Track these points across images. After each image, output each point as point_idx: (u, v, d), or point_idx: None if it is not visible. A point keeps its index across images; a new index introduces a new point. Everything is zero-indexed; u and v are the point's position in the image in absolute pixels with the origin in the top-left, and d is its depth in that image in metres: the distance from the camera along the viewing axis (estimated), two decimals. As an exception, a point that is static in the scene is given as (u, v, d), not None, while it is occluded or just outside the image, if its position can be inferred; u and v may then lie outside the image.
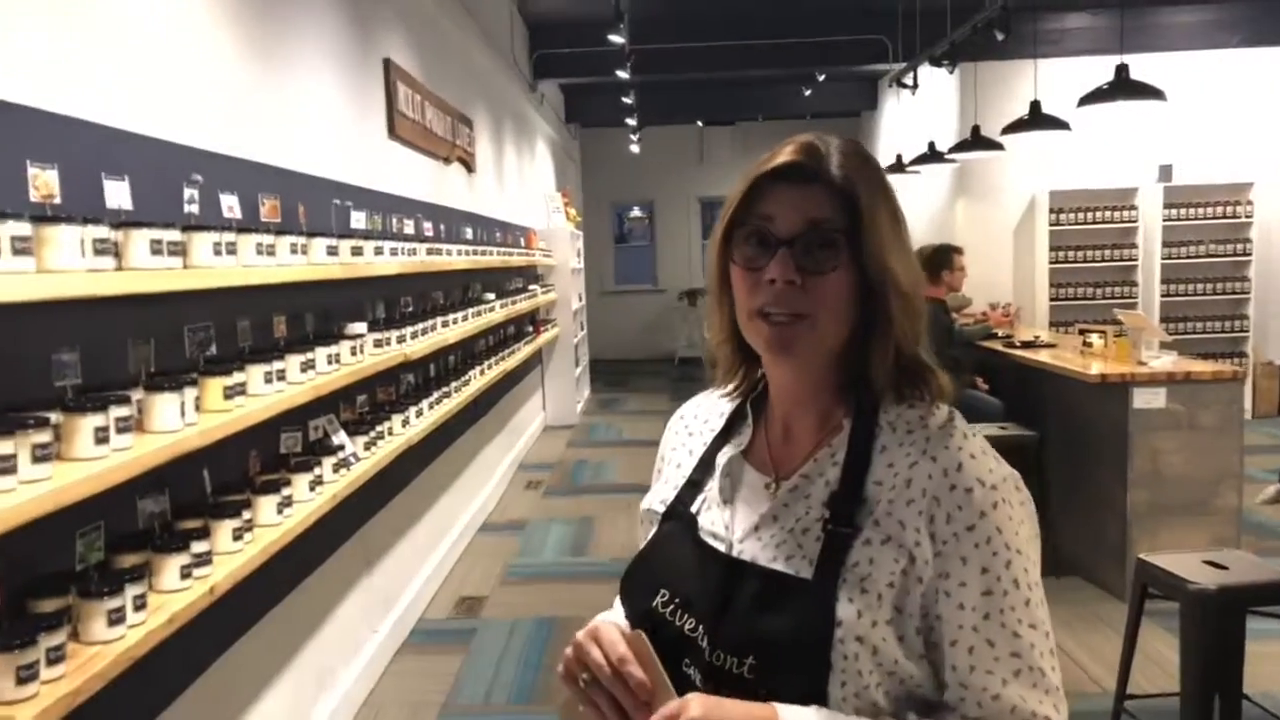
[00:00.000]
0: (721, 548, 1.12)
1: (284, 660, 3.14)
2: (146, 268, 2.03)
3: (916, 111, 10.14)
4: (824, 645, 0.99)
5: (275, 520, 2.60)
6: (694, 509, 1.17)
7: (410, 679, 4.05)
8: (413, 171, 5.13)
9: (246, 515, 2.45)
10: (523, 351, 6.99)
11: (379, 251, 3.67)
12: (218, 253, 2.33)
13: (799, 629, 1.01)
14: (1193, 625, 2.90)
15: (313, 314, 3.23)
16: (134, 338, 2.12)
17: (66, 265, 1.74)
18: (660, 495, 1.23)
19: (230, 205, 2.63)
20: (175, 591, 2.09)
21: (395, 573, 4.40)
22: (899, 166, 8.88)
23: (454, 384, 4.80)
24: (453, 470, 5.60)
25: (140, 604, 1.93)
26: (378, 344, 3.64)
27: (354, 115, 4.23)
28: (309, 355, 2.90)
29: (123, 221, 2.02)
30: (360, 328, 3.50)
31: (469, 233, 5.95)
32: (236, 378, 2.40)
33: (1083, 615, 4.42)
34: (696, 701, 0.97)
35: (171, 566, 2.10)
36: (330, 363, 3.10)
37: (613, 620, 1.18)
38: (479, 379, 5.34)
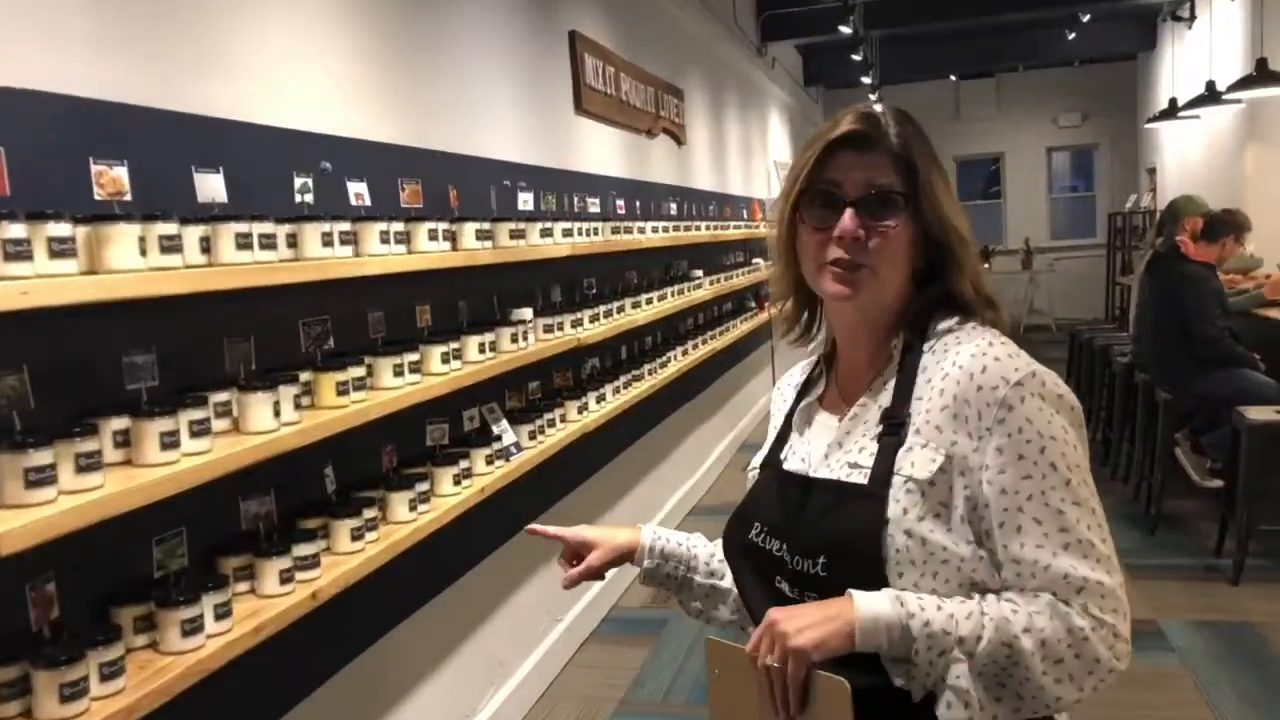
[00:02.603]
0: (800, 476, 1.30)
1: (443, 654, 3.08)
2: (235, 263, 1.95)
3: (1196, 49, 8.87)
4: (877, 539, 1.14)
5: (407, 518, 2.51)
6: (782, 457, 1.35)
7: (592, 671, 3.93)
8: (603, 147, 4.98)
9: (369, 514, 2.37)
10: (740, 329, 6.72)
11: (546, 233, 3.52)
12: (328, 243, 2.24)
13: (857, 527, 1.16)
14: None
15: (469, 301, 3.12)
16: (230, 335, 2.05)
17: (123, 265, 1.67)
18: (761, 455, 1.40)
19: (358, 193, 2.54)
20: (274, 597, 2.03)
21: (584, 561, 4.29)
22: (1170, 112, 7.79)
23: (648, 366, 4.63)
24: (657, 453, 5.44)
25: (223, 612, 1.86)
26: (547, 329, 3.51)
27: (531, 92, 4.11)
28: (452, 345, 2.79)
29: (214, 216, 1.96)
30: (526, 313, 3.37)
31: (673, 208, 5.74)
32: (352, 373, 2.31)
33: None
34: (772, 610, 1.12)
35: (270, 571, 2.03)
36: (483, 351, 2.99)
37: None
38: (680, 360, 5.13)
